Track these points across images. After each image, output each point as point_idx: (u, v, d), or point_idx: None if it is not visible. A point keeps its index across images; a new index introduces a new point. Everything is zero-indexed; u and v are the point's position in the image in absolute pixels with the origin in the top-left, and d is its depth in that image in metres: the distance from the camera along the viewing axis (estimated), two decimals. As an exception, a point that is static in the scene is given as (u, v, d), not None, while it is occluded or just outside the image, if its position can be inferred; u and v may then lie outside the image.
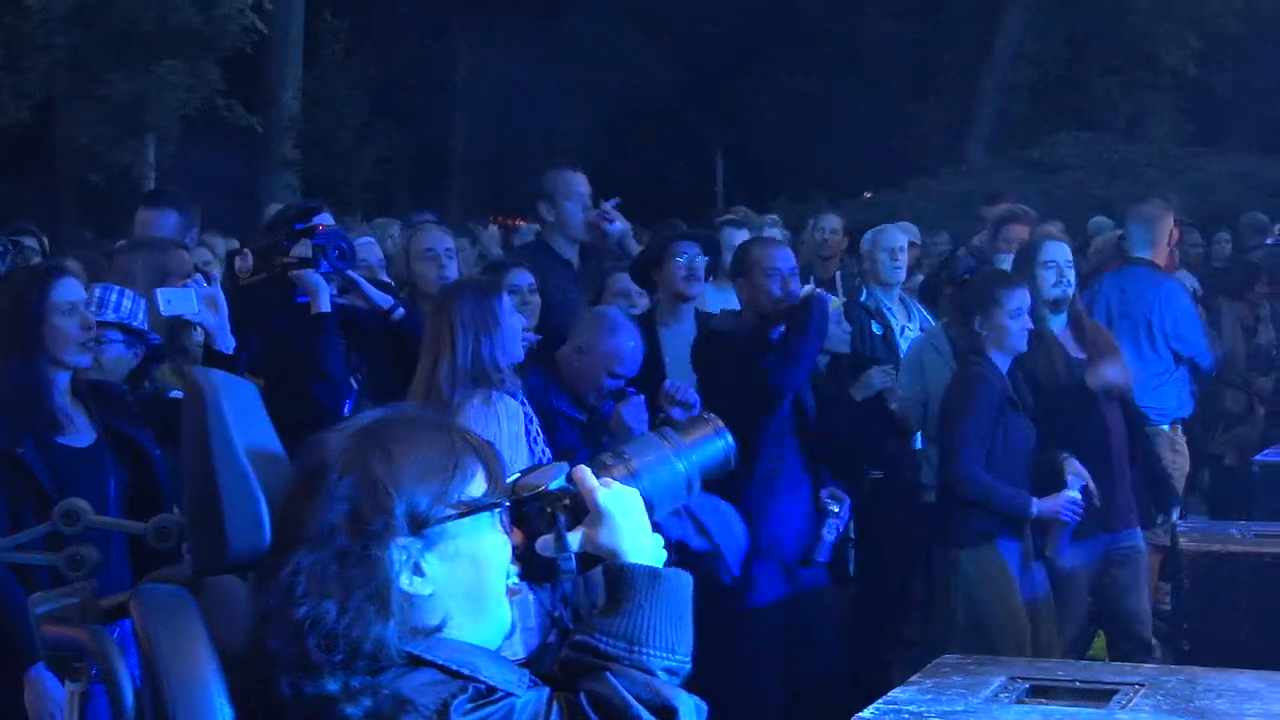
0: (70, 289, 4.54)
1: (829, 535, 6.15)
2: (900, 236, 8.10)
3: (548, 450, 5.10)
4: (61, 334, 4.46)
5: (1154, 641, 6.29)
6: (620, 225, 7.25)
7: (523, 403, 5.09)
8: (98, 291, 5.04)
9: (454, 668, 2.20)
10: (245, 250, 5.53)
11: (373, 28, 21.38)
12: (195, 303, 5.01)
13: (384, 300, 5.69)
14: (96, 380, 4.70)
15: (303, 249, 5.41)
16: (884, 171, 21.19)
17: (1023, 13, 22.91)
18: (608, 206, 7.17)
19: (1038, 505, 6.08)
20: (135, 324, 5.04)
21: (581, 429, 5.64)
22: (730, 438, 2.51)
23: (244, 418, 2.41)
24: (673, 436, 2.50)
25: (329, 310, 5.43)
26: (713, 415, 2.56)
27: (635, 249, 7.58)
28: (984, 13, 22.74)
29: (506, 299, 5.23)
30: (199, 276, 5.29)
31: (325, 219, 5.66)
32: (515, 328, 5.19)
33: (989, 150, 22.06)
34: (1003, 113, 23.14)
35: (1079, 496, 6.09)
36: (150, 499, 4.42)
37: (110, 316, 4.97)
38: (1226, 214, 12.94)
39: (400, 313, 5.68)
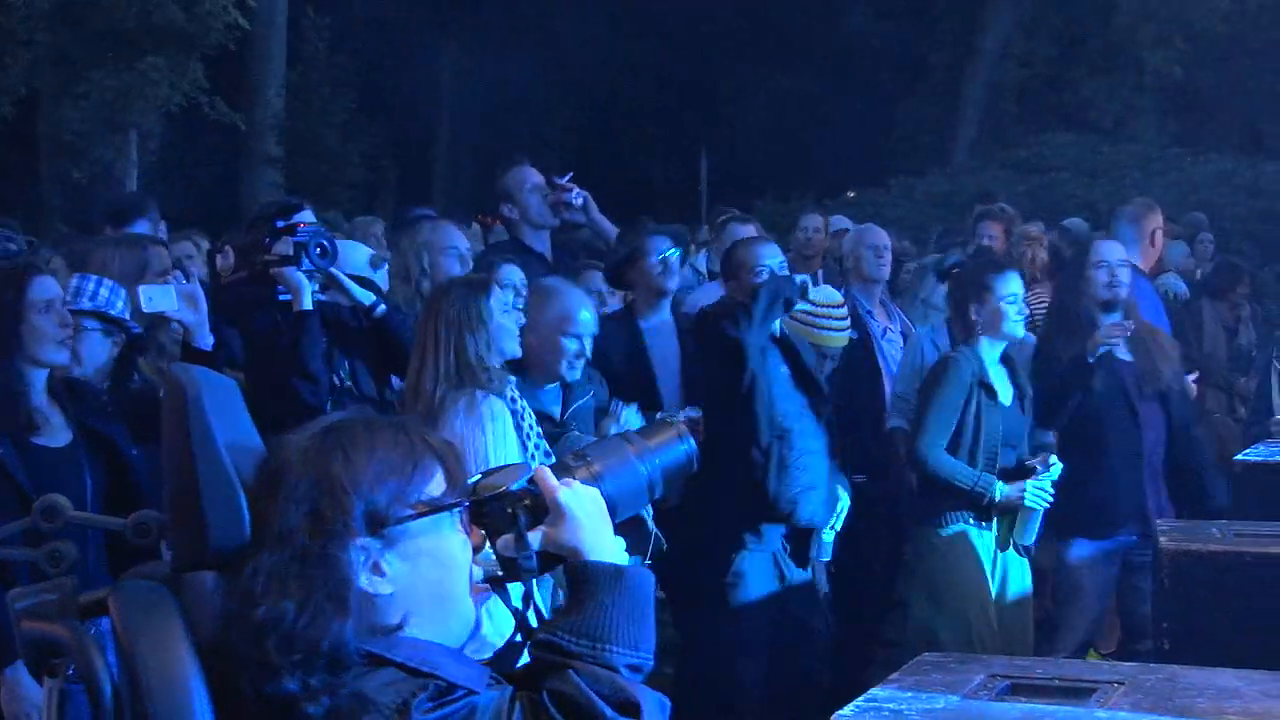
0: (46, 287, 4.52)
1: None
2: (884, 234, 8.12)
3: (542, 444, 5.08)
4: (39, 332, 4.44)
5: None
6: (580, 194, 7.30)
7: (512, 400, 5.08)
8: (74, 281, 5.03)
9: (414, 666, 2.21)
10: (227, 248, 5.53)
11: (357, 24, 21.34)
12: (175, 300, 5.02)
13: (366, 297, 5.68)
14: (71, 379, 4.69)
15: (284, 246, 5.41)
16: (869, 171, 21.23)
17: (1011, 13, 22.96)
18: (562, 181, 7.22)
19: (1003, 489, 6.09)
20: (113, 313, 5.03)
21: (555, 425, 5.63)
22: (693, 442, 2.53)
23: (224, 414, 2.41)
24: (636, 439, 2.51)
25: (311, 308, 5.43)
26: (676, 420, 2.58)
27: (603, 222, 7.62)
28: (971, 13, 22.79)
29: (497, 296, 5.21)
30: (179, 273, 5.28)
31: (307, 216, 5.66)
32: (507, 325, 5.16)
33: (974, 150, 22.10)
34: (989, 113, 23.18)
35: (1047, 486, 6.10)
36: (126, 497, 4.41)
37: (86, 305, 4.95)
38: (1210, 215, 12.99)
39: (382, 309, 5.67)
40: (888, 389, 7.50)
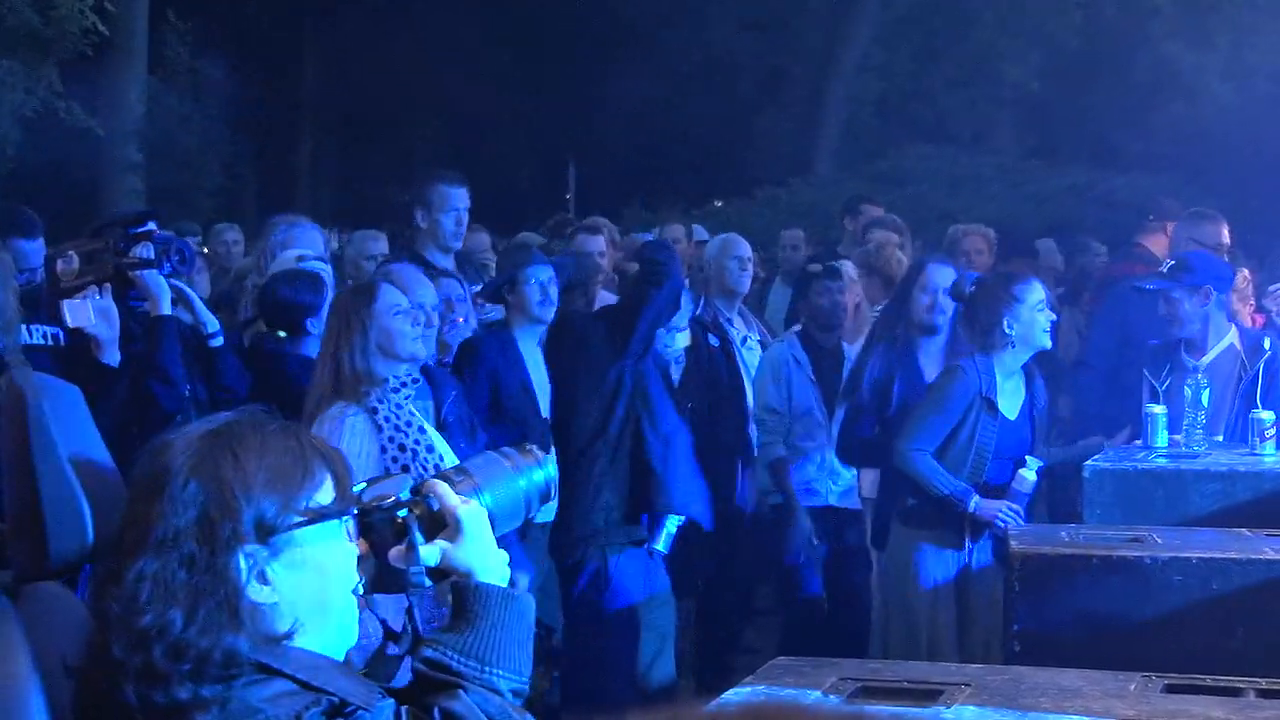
0: None
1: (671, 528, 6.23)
2: (747, 245, 8.18)
3: (430, 458, 5.05)
4: None
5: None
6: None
7: (387, 417, 5.04)
8: None
9: (305, 679, 2.19)
10: (70, 252, 5.43)
11: (218, 30, 21.07)
12: (92, 315, 4.99)
13: (211, 323, 5.63)
14: None
15: (144, 250, 5.36)
16: (734, 180, 21.36)
17: (869, 26, 23.21)
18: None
19: (978, 504, 6.13)
20: None
21: None
22: (552, 468, 2.55)
23: (67, 422, 2.39)
24: (514, 455, 2.51)
25: (170, 313, 5.38)
26: (534, 447, 2.59)
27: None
28: (831, 25, 23.01)
29: (385, 299, 5.19)
30: (94, 289, 5.22)
31: (154, 225, 5.62)
32: (398, 328, 5.15)
33: (837, 161, 22.32)
34: (850, 124, 23.42)
35: (1018, 507, 6.18)
36: None
37: None
38: (1062, 226, 13.24)
39: (218, 342, 5.61)
40: (750, 395, 7.56)
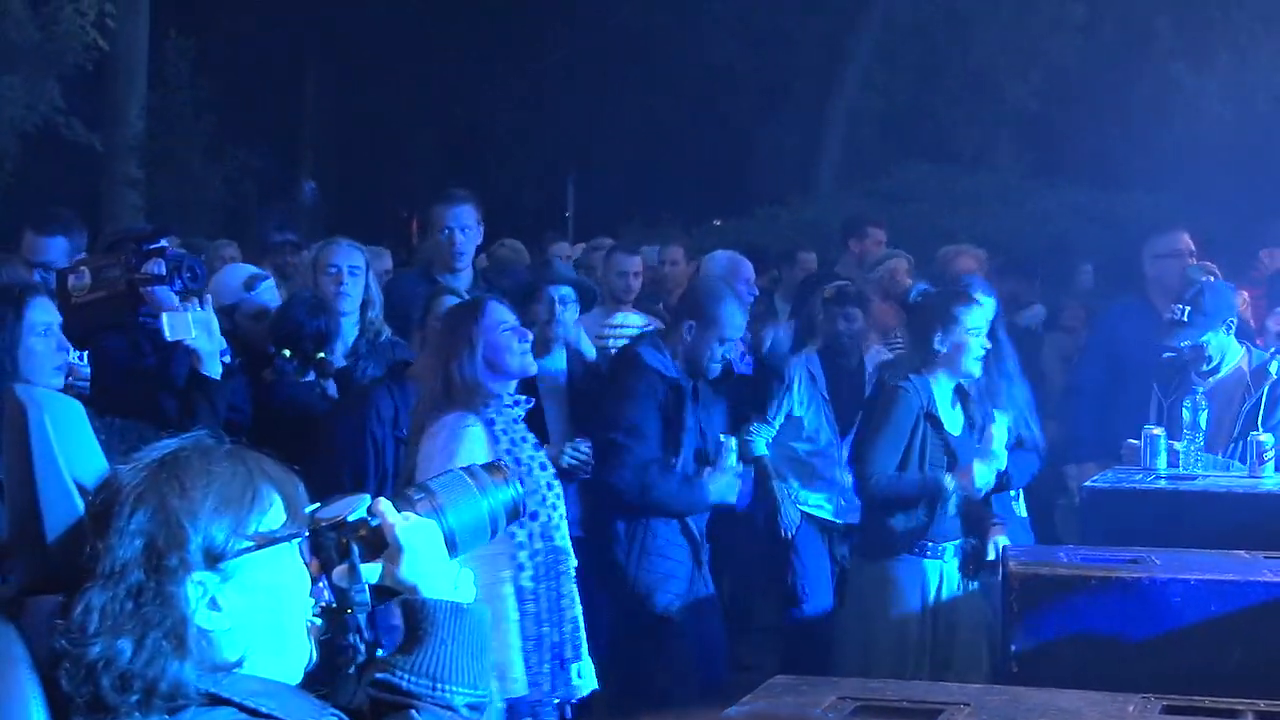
0: (46, 309, 4.52)
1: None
2: (751, 267, 8.17)
3: (531, 465, 5.17)
4: (37, 357, 4.44)
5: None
6: None
7: (504, 429, 5.12)
8: None
9: (252, 706, 2.18)
10: (82, 268, 5.44)
11: (219, 46, 21.11)
12: (192, 327, 5.04)
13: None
14: None
15: (156, 267, 5.37)
16: (733, 198, 21.35)
17: (870, 43, 23.22)
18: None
19: (955, 480, 6.09)
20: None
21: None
22: (520, 486, 2.55)
23: (68, 435, 2.38)
24: (480, 474, 2.52)
25: None
26: (504, 463, 2.60)
27: None
28: (831, 42, 23.03)
29: (492, 315, 5.23)
30: (194, 300, 5.24)
31: (166, 243, 5.64)
32: (504, 344, 5.18)
33: (837, 179, 22.31)
34: (851, 142, 23.40)
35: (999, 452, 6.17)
36: None
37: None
38: (1063, 244, 13.25)
39: (225, 359, 5.63)
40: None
